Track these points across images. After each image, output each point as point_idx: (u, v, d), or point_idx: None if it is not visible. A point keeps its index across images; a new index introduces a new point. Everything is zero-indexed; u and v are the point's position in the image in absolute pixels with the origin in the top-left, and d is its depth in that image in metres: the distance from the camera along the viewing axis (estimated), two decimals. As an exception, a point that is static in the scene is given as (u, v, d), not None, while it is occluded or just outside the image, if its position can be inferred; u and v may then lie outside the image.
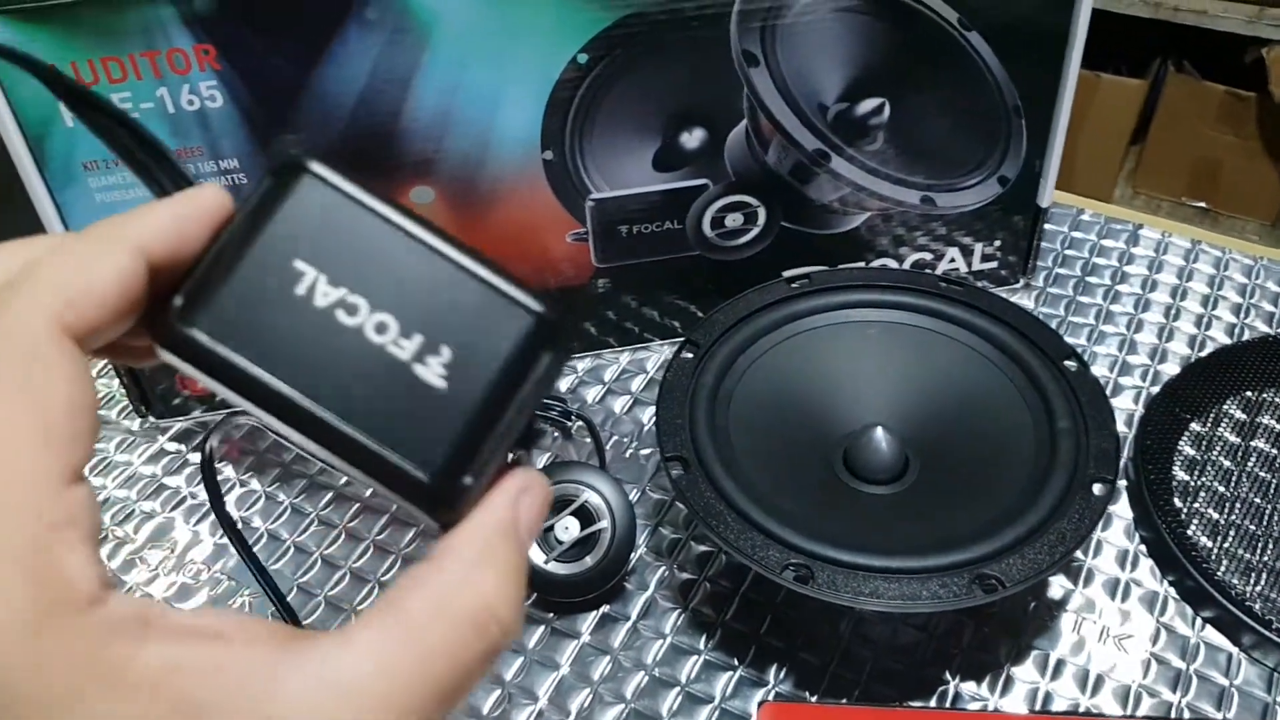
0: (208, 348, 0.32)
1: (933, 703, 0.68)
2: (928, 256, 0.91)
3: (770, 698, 0.69)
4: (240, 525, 0.79)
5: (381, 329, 0.33)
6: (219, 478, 0.82)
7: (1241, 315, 0.92)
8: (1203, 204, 2.72)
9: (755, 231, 0.86)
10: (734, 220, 0.85)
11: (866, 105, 0.81)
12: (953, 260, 0.91)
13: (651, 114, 0.79)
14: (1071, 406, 0.70)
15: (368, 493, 0.81)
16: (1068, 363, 0.72)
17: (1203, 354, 0.88)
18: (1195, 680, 0.69)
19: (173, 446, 0.86)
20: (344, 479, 0.82)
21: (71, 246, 0.31)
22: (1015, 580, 0.61)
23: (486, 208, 0.79)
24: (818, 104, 0.80)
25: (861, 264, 0.89)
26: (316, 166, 0.34)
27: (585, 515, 0.72)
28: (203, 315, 0.32)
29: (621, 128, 0.79)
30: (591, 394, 0.88)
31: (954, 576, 0.61)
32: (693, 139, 0.80)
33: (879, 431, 0.71)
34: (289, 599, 0.74)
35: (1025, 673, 0.69)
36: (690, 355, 0.74)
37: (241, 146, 0.73)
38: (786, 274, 0.80)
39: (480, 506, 0.34)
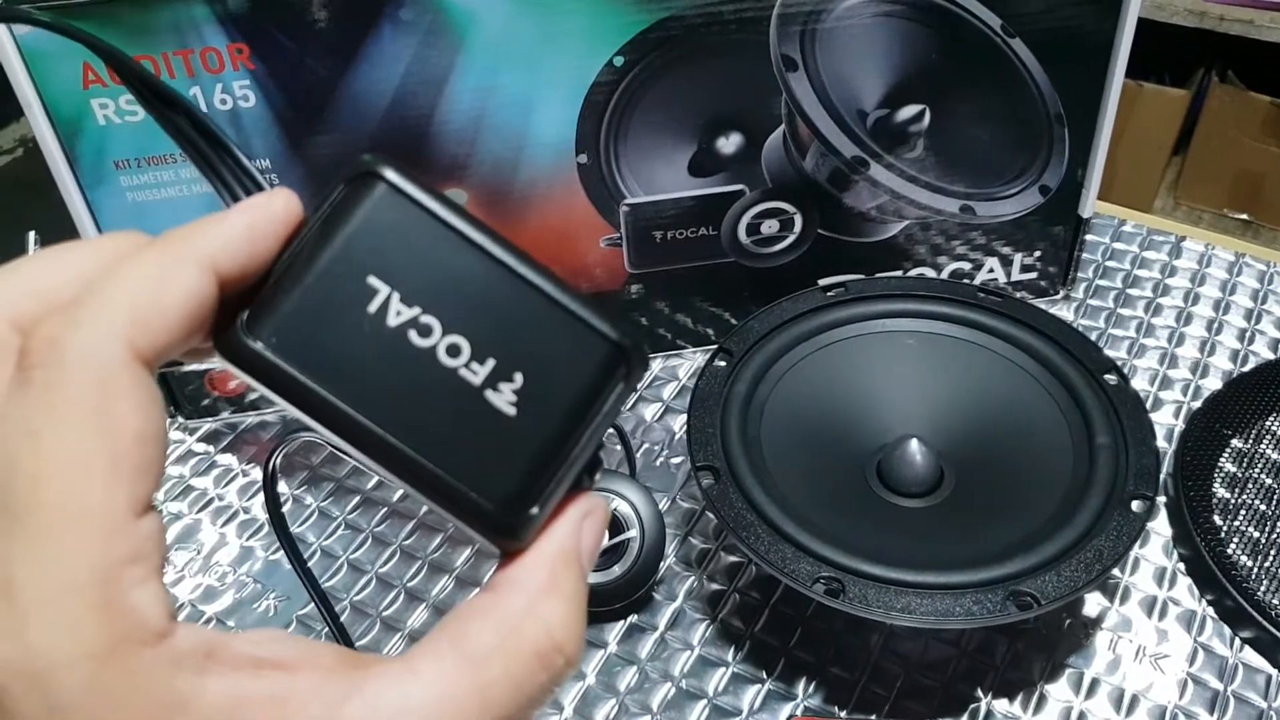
0: (274, 364, 0.31)
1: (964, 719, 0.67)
2: (966, 266, 0.89)
3: (799, 712, 0.68)
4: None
5: (454, 352, 0.32)
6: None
7: (1286, 330, 0.91)
8: (1245, 216, 2.69)
9: (791, 239, 0.85)
10: (770, 227, 0.84)
11: (906, 112, 0.80)
12: (991, 270, 0.90)
13: (688, 118, 0.78)
14: (1111, 422, 0.69)
15: (423, 510, 0.80)
16: (1108, 377, 0.71)
17: (1245, 369, 0.87)
18: (1233, 702, 0.67)
19: (201, 448, 0.85)
20: (399, 494, 0.81)
21: (142, 262, 0.30)
22: (1051, 597, 0.60)
23: (520, 211, 0.79)
24: (857, 110, 0.79)
25: (899, 273, 0.88)
26: (392, 175, 0.32)
27: (614, 524, 0.71)
28: (270, 331, 0.31)
29: (657, 132, 0.78)
30: (623, 400, 0.87)
31: (988, 593, 0.60)
32: (729, 144, 0.79)
33: (914, 443, 0.70)
34: (343, 617, 0.73)
35: (1059, 691, 0.68)
36: (723, 363, 0.73)
37: (274, 146, 0.73)
38: (822, 282, 0.79)
39: (544, 534, 0.33)
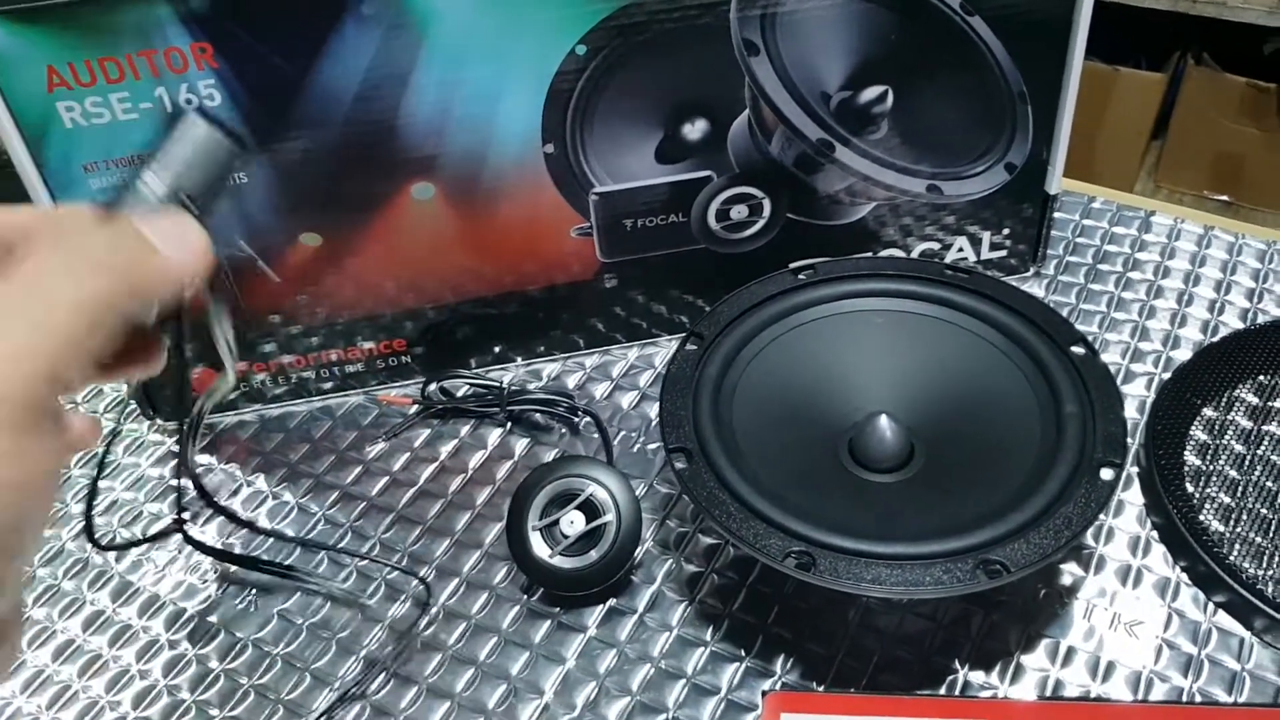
0: None
1: (941, 691, 0.68)
2: (935, 246, 0.90)
3: (777, 688, 0.68)
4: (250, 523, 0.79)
5: None
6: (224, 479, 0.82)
7: (1255, 300, 0.91)
8: (1225, 198, 2.70)
9: (761, 224, 0.86)
10: (739, 212, 0.85)
11: (869, 93, 0.80)
12: (961, 250, 0.91)
13: (653, 105, 0.78)
14: (1079, 392, 0.69)
15: (374, 491, 0.81)
16: (1075, 348, 0.72)
17: (1215, 339, 0.87)
18: (1207, 665, 0.68)
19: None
20: (377, 489, 0.82)
21: None
22: (1020, 565, 0.60)
23: (490, 203, 0.79)
24: (820, 93, 0.79)
25: (868, 254, 0.89)
26: None
27: (591, 509, 0.72)
28: None
29: (623, 119, 0.78)
30: (599, 390, 0.88)
31: (958, 562, 0.61)
32: (695, 130, 0.80)
33: (883, 420, 0.70)
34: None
35: (1035, 661, 0.69)
36: (694, 347, 0.74)
37: (241, 145, 0.73)
38: (793, 265, 0.79)
39: None
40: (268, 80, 0.71)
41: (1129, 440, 0.67)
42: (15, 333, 0.39)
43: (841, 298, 0.78)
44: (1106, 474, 0.64)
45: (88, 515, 0.76)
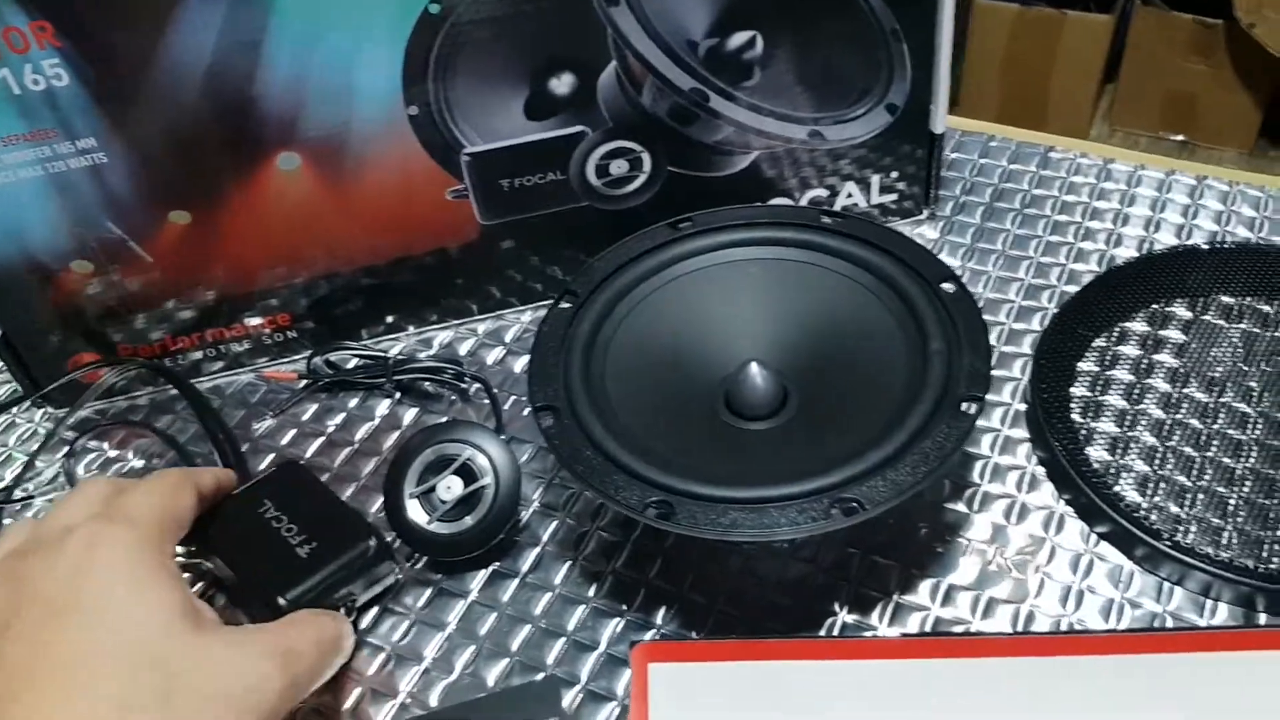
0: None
1: (821, 634, 0.67)
2: (824, 193, 0.89)
3: (657, 639, 0.68)
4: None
5: (289, 530, 0.68)
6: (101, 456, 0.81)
7: (1150, 229, 0.90)
8: (1181, 137, 2.69)
9: (643, 178, 0.85)
10: (619, 167, 0.84)
11: (738, 39, 0.79)
12: (850, 195, 0.90)
13: (515, 61, 0.77)
14: (946, 329, 0.68)
15: (260, 467, 0.80)
16: (945, 285, 0.71)
17: (1104, 271, 0.87)
18: (1087, 594, 0.67)
19: (71, 435, 0.85)
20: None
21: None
22: (876, 502, 0.60)
23: (358, 170, 0.78)
24: (686, 41, 0.78)
25: (750, 204, 0.88)
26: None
27: (468, 473, 0.71)
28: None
29: (486, 77, 0.77)
30: (492, 356, 0.87)
31: (814, 502, 0.60)
32: (562, 84, 0.79)
33: (753, 368, 0.70)
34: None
35: (916, 600, 0.68)
36: (568, 305, 0.73)
37: (95, 124, 0.72)
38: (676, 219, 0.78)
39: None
40: (114, 57, 0.70)
41: (992, 374, 0.67)
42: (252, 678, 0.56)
43: (717, 248, 0.77)
44: (968, 408, 0.63)
45: None
